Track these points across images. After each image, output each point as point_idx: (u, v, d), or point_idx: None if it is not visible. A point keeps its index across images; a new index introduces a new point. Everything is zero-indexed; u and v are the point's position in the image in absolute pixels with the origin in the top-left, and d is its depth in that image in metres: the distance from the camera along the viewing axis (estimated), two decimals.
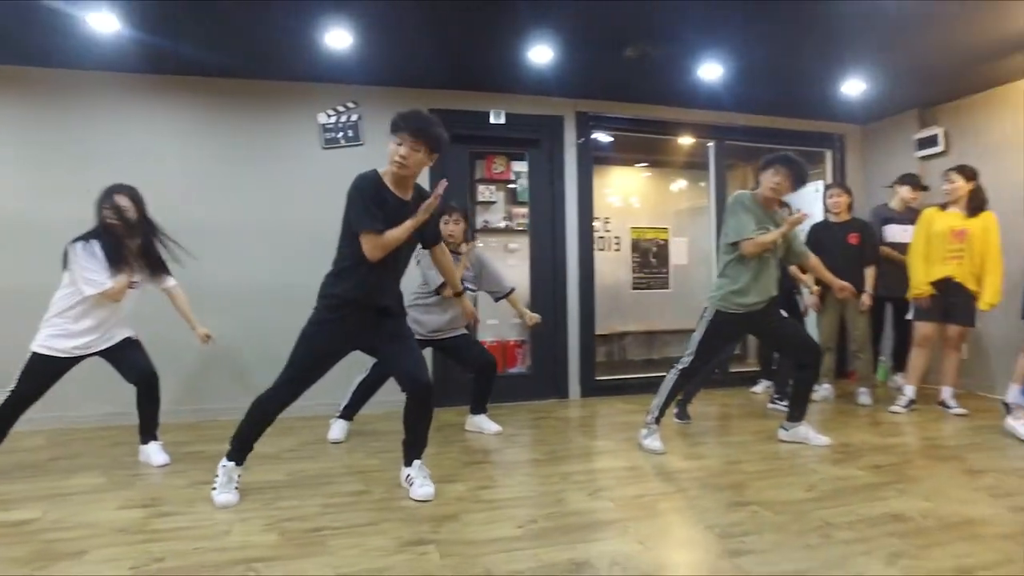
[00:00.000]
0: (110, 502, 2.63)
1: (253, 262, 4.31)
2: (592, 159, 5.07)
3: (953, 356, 4.14)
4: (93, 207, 3.01)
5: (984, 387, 4.65)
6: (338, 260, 2.63)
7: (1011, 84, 4.47)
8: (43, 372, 2.97)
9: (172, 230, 3.20)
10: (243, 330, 4.20)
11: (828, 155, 5.70)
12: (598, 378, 5.08)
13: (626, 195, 6.61)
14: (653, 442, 3.29)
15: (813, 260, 3.52)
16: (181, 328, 3.35)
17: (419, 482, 2.67)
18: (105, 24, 3.37)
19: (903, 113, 5.27)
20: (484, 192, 5.30)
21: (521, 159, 5.19)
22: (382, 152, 4.81)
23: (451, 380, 4.58)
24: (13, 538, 2.27)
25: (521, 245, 5.26)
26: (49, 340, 2.96)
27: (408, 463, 2.74)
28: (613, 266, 6.20)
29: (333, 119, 4.48)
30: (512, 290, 3.91)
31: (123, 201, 3.00)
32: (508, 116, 4.79)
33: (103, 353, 3.07)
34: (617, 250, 6.35)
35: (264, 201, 4.35)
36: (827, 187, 4.80)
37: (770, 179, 3.21)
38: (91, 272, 2.89)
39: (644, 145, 5.90)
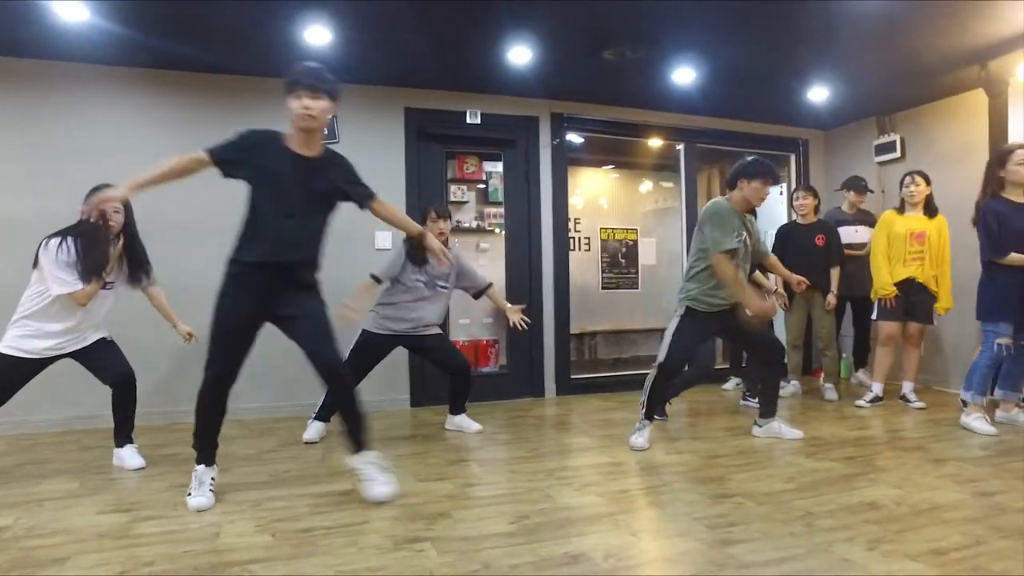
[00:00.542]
0: (87, 507, 2.55)
1: None
2: (567, 160, 5.13)
3: (913, 353, 4.34)
4: (76, 202, 2.88)
5: (941, 382, 4.89)
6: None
7: (965, 94, 4.69)
8: (11, 375, 2.86)
9: (150, 228, 3.13)
10: None
11: (792, 159, 5.90)
12: (573, 376, 5.15)
13: (596, 196, 6.70)
14: (637, 439, 3.35)
15: (772, 259, 3.70)
16: (152, 328, 3.26)
17: (373, 478, 2.57)
18: (74, 13, 3.27)
19: (863, 120, 5.49)
20: (456, 192, 5.30)
21: (496, 159, 5.21)
22: (359, 150, 4.79)
23: (429, 379, 4.57)
24: None
25: (492, 245, 5.29)
26: (17, 341, 2.85)
27: (353, 452, 2.62)
28: (583, 266, 6.27)
29: None
30: (490, 285, 3.93)
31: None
32: (484, 116, 4.81)
33: (76, 355, 2.97)
34: (587, 250, 6.42)
35: (242, 198, 4.23)
36: (794, 190, 4.97)
37: (761, 190, 3.32)
38: (62, 271, 2.79)
39: (615, 147, 5.99)
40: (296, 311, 2.56)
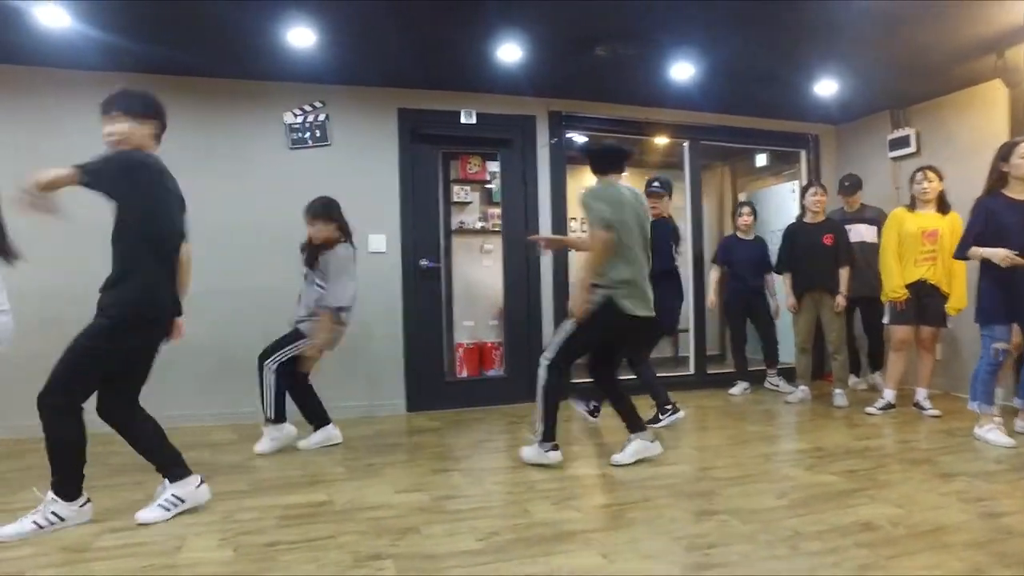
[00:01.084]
0: None
1: (220, 264, 4.17)
2: (565, 159, 5.01)
3: (927, 358, 4.13)
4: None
5: (959, 387, 4.65)
6: None
7: (982, 85, 4.46)
8: None
9: None
10: (207, 332, 4.06)
11: (803, 155, 5.70)
12: (573, 381, 5.01)
13: None
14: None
15: None
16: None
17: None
18: (55, 19, 3.25)
19: (876, 114, 5.27)
20: (459, 192, 5.21)
21: (493, 159, 5.11)
22: (352, 152, 4.72)
23: (424, 383, 4.50)
24: None
25: (497, 246, 5.19)
26: None
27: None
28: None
29: (300, 119, 4.37)
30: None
31: None
32: (480, 116, 4.72)
33: None
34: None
35: (231, 202, 4.21)
36: (808, 186, 4.77)
37: None
38: None
39: None
40: None
